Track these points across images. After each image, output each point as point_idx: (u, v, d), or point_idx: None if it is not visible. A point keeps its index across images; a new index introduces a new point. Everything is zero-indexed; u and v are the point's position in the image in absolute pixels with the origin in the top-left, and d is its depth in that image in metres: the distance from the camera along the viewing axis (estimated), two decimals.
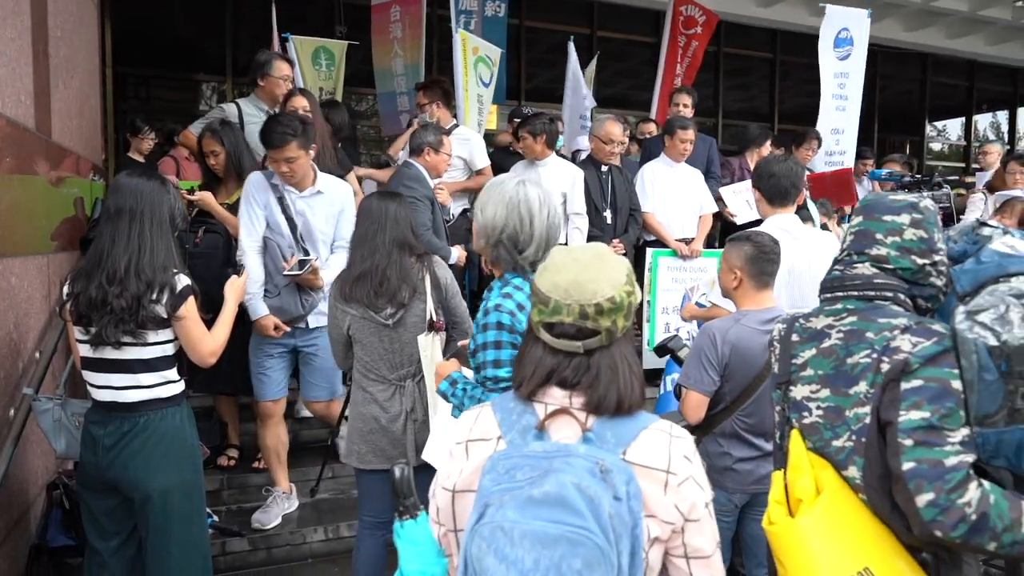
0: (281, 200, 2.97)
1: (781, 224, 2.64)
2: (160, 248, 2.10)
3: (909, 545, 1.34)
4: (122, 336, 2.05)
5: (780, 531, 1.42)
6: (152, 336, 2.10)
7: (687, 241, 4.64)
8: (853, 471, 1.38)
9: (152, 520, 2.12)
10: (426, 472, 2.03)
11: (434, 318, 2.40)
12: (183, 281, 2.13)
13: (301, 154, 2.90)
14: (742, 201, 4.98)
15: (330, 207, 3.06)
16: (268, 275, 3.01)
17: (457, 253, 3.76)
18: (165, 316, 2.09)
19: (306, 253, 2.97)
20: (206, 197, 3.24)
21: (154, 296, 2.06)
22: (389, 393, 2.42)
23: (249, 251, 2.97)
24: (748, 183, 5.09)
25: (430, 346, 2.38)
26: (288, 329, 3.03)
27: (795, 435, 1.50)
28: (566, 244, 1.81)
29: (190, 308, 2.12)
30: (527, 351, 1.23)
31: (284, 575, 3.13)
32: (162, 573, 2.15)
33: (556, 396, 1.18)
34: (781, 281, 2.51)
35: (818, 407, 1.45)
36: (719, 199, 4.99)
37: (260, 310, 2.98)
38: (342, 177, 3.52)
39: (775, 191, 2.68)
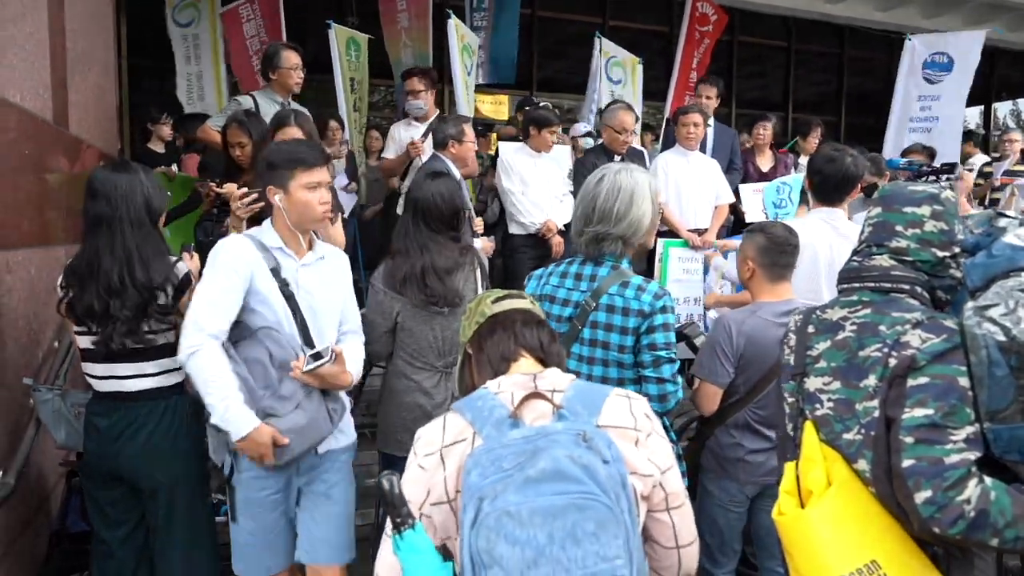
0: (276, 273, 2.00)
1: (825, 217, 2.64)
2: (147, 249, 2.07)
3: (920, 539, 1.34)
4: (127, 340, 2.06)
5: (789, 522, 1.43)
6: (153, 327, 2.11)
7: (700, 232, 4.61)
8: (863, 464, 1.38)
9: (160, 509, 2.14)
10: None
11: None
12: (182, 269, 2.13)
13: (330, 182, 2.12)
14: (758, 200, 4.93)
15: (335, 279, 2.19)
16: (270, 383, 1.96)
17: (481, 245, 3.77)
18: (170, 305, 2.10)
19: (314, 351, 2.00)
20: (233, 190, 3.24)
21: (160, 301, 2.08)
22: (435, 380, 2.41)
23: (208, 342, 1.89)
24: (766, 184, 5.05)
25: None
26: (286, 441, 1.94)
27: (808, 427, 1.50)
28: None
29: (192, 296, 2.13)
30: (481, 345, 1.35)
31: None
32: (170, 561, 2.16)
33: (519, 383, 1.23)
34: (822, 274, 2.52)
35: (829, 399, 1.46)
36: (736, 193, 4.95)
37: (247, 420, 1.88)
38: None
39: (819, 189, 2.68)
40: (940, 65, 5.89)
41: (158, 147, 5.22)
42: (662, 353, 1.92)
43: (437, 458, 1.18)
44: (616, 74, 6.25)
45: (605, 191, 1.96)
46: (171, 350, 2.16)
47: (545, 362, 1.32)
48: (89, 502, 2.25)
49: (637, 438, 1.20)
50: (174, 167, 4.78)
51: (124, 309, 2.02)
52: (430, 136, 4.05)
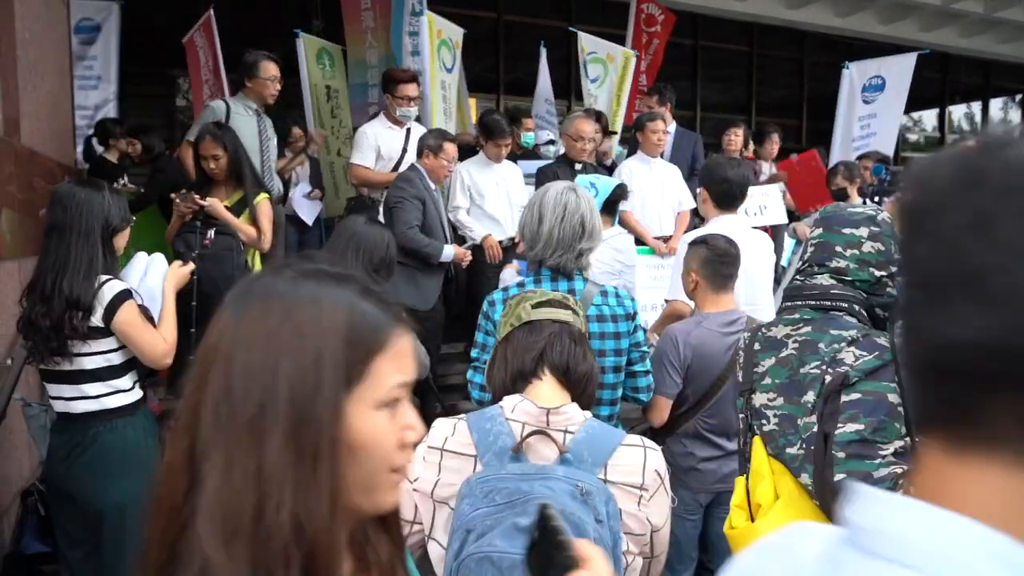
0: None
1: (728, 226, 2.73)
2: (82, 261, 2.03)
3: None
4: (51, 354, 2.03)
5: (739, 535, 1.47)
6: (84, 347, 2.06)
7: (665, 239, 4.67)
8: (806, 478, 1.43)
9: (106, 533, 2.11)
10: None
11: None
12: (115, 288, 2.07)
13: None
14: None
15: None
16: None
17: (452, 251, 3.73)
18: (103, 326, 2.05)
19: None
20: (216, 205, 3.22)
21: (80, 312, 2.02)
22: None
23: None
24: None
25: None
26: None
27: (757, 442, 1.55)
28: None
29: (126, 315, 2.07)
30: (508, 346, 1.29)
31: None
32: None
33: (532, 414, 1.20)
34: (753, 282, 2.59)
35: (774, 415, 1.50)
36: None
37: None
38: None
39: (726, 196, 2.78)
40: (875, 87, 6.29)
41: (111, 156, 5.13)
42: (645, 348, 2.08)
43: (438, 453, 1.19)
44: (594, 71, 5.95)
45: (590, 207, 2.02)
46: (115, 372, 2.13)
47: (568, 386, 1.26)
48: (53, 518, 2.24)
49: (641, 497, 1.17)
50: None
51: (47, 318, 1.99)
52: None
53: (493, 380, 1.32)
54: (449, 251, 3.72)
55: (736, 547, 1.49)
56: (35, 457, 2.47)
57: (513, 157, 4.60)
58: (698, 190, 2.89)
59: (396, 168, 4.14)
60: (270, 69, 3.82)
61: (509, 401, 1.22)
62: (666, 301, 2.86)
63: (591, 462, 1.15)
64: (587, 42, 5.94)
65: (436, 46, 4.85)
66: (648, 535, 1.18)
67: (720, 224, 2.75)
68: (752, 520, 1.49)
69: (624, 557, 1.17)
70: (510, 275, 3.29)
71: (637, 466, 1.18)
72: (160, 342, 2.15)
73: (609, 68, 5.91)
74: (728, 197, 2.77)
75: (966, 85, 11.29)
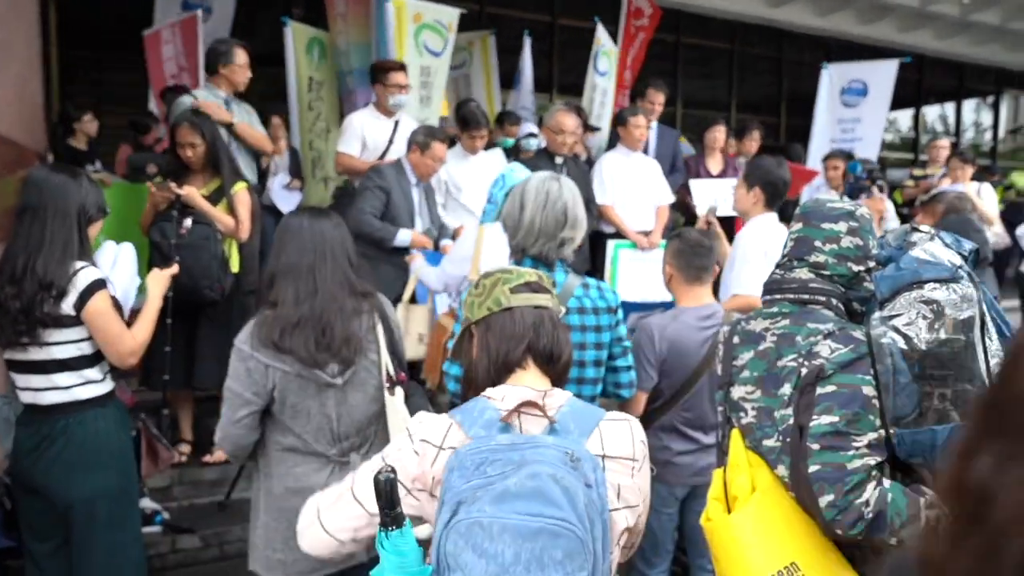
0: None
1: (771, 222, 2.89)
2: (57, 243, 1.97)
3: (836, 540, 1.40)
4: (20, 337, 1.97)
5: (715, 527, 1.48)
6: (55, 336, 2.00)
7: (647, 233, 4.68)
8: (782, 470, 1.44)
9: (75, 528, 2.07)
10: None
11: (391, 371, 1.92)
12: (90, 276, 2.01)
13: None
14: (709, 195, 5.01)
15: None
16: None
17: (409, 236, 3.56)
18: (74, 314, 2.00)
19: None
20: (193, 193, 3.18)
21: (53, 295, 1.96)
22: (327, 473, 1.84)
23: None
24: (721, 182, 5.15)
25: (401, 407, 1.92)
26: None
27: (735, 434, 1.56)
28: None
29: (99, 304, 2.01)
30: (489, 333, 1.28)
31: (237, 572, 3.10)
32: None
33: (519, 397, 1.20)
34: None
35: (752, 407, 1.51)
36: (686, 189, 5.05)
37: None
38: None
39: (779, 196, 2.91)
40: (856, 91, 6.41)
41: (80, 143, 4.97)
42: (627, 343, 2.07)
43: (434, 453, 1.16)
44: (603, 65, 5.97)
45: (573, 196, 2.00)
46: (87, 362, 2.08)
47: (549, 372, 1.28)
48: (19, 511, 2.18)
49: (633, 467, 1.19)
50: (105, 173, 4.64)
51: (16, 300, 1.93)
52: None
53: (474, 367, 1.30)
54: (404, 236, 3.55)
55: (712, 539, 1.50)
56: (0, 450, 2.40)
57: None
58: (734, 186, 3.04)
59: (382, 159, 4.09)
60: (243, 56, 3.83)
61: (496, 392, 1.22)
62: (734, 295, 2.88)
63: (577, 433, 1.17)
64: (602, 35, 5.96)
65: (414, 31, 4.69)
66: (641, 506, 1.21)
67: (764, 221, 2.87)
68: (729, 512, 1.49)
69: (625, 535, 1.19)
70: (418, 264, 3.26)
71: (627, 439, 1.20)
72: (128, 339, 2.08)
73: (612, 62, 5.95)
74: (777, 196, 2.92)
75: (941, 87, 11.46)
